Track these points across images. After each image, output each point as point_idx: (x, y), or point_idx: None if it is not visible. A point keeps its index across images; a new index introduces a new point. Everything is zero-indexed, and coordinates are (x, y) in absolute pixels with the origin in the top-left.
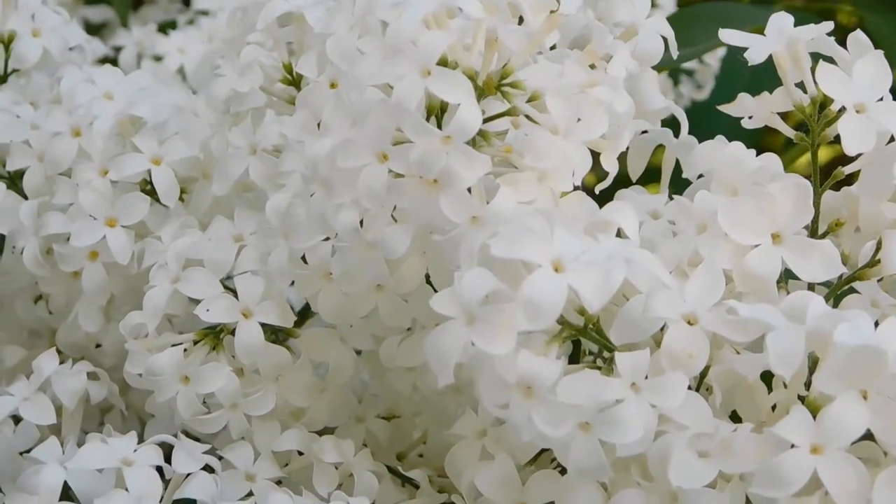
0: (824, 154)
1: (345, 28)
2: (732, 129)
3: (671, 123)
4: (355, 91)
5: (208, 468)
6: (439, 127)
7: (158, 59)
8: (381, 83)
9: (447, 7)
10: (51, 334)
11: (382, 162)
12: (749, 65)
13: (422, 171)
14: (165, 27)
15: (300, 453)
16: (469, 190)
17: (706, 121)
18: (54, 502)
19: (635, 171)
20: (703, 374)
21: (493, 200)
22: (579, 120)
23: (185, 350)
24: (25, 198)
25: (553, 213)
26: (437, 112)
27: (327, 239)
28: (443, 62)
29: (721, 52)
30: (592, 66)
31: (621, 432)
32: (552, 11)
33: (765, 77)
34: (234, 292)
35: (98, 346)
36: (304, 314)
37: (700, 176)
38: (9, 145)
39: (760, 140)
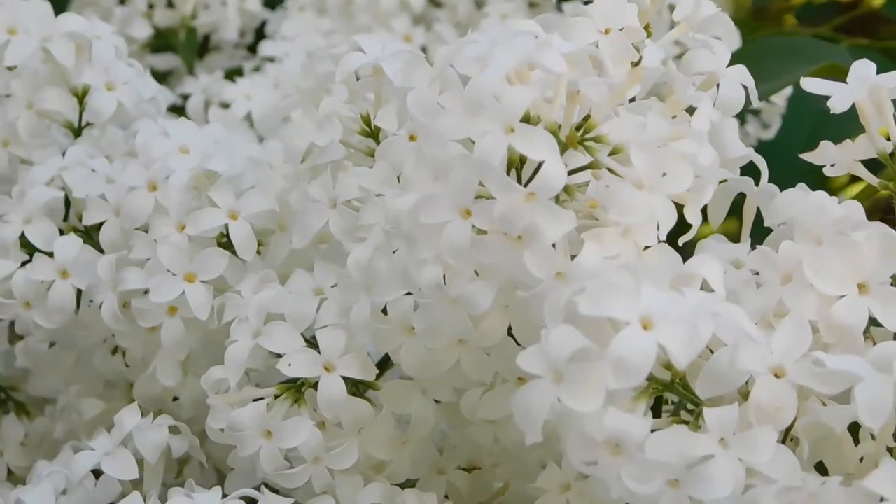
0: None
1: (425, 81)
2: (797, 169)
3: (749, 170)
4: (437, 146)
5: None
6: (520, 179)
7: (226, 105)
8: (463, 138)
9: (529, 61)
10: (127, 386)
11: (466, 218)
12: (817, 105)
13: (506, 227)
14: (232, 74)
15: None
16: (553, 245)
17: (773, 160)
18: None
19: (716, 221)
20: (790, 426)
21: (578, 256)
22: (664, 174)
23: (267, 404)
24: (101, 252)
25: (638, 267)
26: (518, 165)
27: (409, 293)
28: (525, 117)
29: (787, 90)
30: (674, 117)
31: (711, 488)
32: (633, 63)
33: (831, 116)
34: (315, 345)
35: (175, 398)
36: (382, 366)
37: (781, 223)
38: (85, 199)
39: (823, 178)
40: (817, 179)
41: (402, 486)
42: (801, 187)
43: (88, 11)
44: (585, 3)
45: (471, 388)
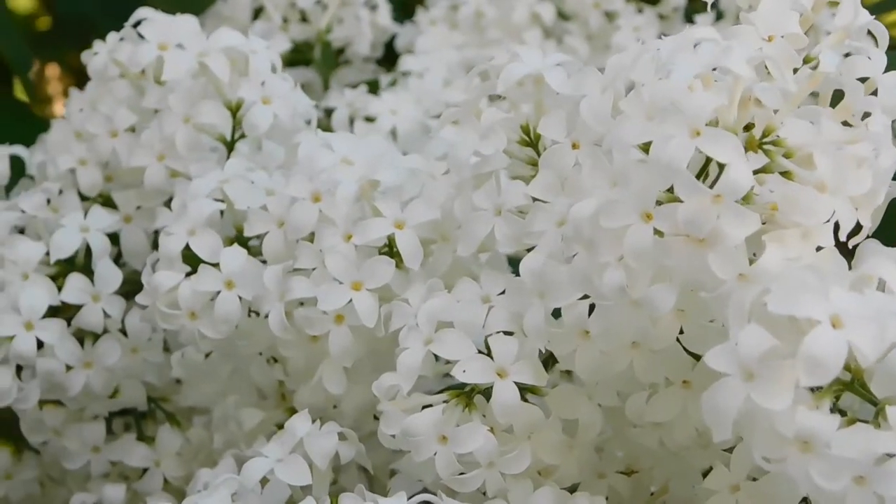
0: None
1: (598, 90)
2: None
3: None
4: (619, 151)
5: None
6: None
7: (370, 120)
8: (646, 142)
9: (716, 66)
10: (278, 396)
11: (647, 221)
12: None
13: (691, 230)
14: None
15: None
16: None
17: None
18: None
19: (871, 226)
20: None
21: (760, 258)
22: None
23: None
24: (263, 261)
25: (821, 268)
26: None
27: (584, 297)
28: (710, 122)
29: None
30: (845, 123)
31: None
32: (813, 69)
33: None
34: (483, 353)
35: (335, 406)
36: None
37: None
38: (246, 211)
39: None
40: None
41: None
42: None
43: (225, 27)
44: (715, 18)
45: (634, 392)
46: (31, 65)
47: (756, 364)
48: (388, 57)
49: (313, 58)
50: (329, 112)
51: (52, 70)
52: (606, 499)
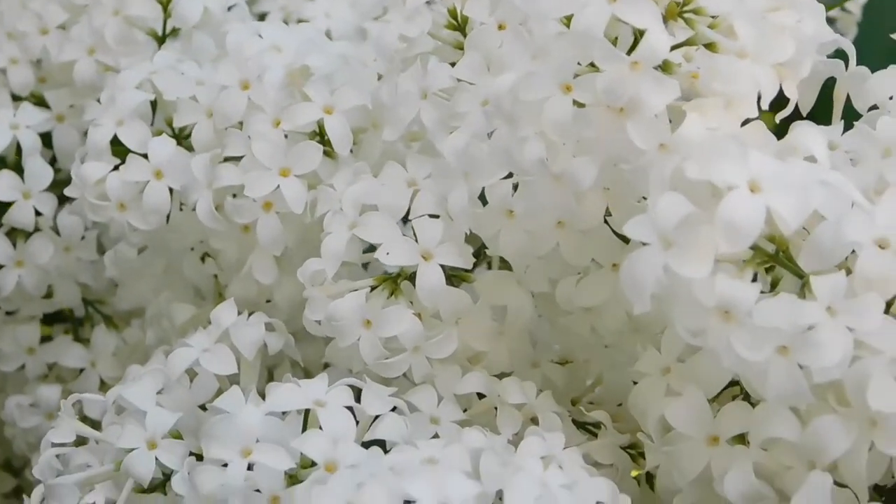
0: None
1: None
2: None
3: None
4: (539, 24)
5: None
6: None
7: (304, 23)
8: (565, 14)
9: None
10: (215, 295)
11: (566, 93)
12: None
13: (609, 99)
14: None
15: (480, 397)
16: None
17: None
18: (251, 444)
19: (806, 105)
20: (891, 304)
21: (680, 127)
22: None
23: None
24: (193, 152)
25: (743, 136)
26: (612, 42)
27: (508, 177)
28: None
29: None
30: None
31: (821, 355)
32: None
33: None
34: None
35: (268, 301)
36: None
37: (871, 108)
38: (176, 102)
39: None
40: None
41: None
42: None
43: None
44: None
45: (566, 278)
46: None
47: (674, 232)
48: None
49: None
50: (262, 17)
51: None
52: (540, 390)
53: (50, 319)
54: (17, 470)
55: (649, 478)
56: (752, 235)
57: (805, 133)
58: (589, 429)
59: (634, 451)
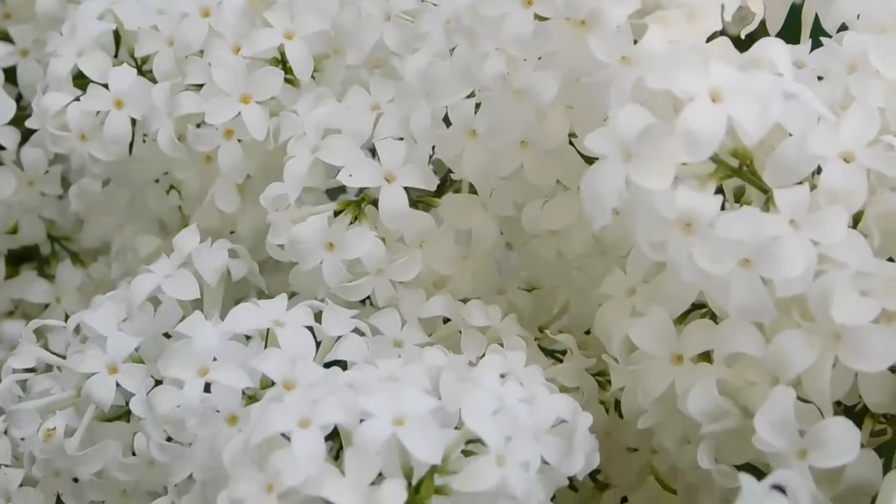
0: None
1: None
2: None
3: None
4: None
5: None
6: None
7: None
8: None
9: None
10: (180, 229)
11: (527, 7)
12: None
13: (570, 11)
14: None
15: (445, 322)
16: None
17: None
18: (208, 363)
19: (775, 24)
20: (859, 218)
21: (641, 40)
22: None
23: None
24: (155, 83)
25: (706, 50)
26: None
27: (470, 97)
28: None
29: None
30: None
31: (783, 267)
32: None
33: None
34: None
35: (232, 232)
36: (440, 191)
37: (840, 30)
38: (137, 31)
39: None
40: None
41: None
42: None
43: None
44: None
45: (530, 201)
46: None
47: (634, 143)
48: None
49: None
50: None
51: None
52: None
53: (17, 260)
54: None
55: (618, 405)
56: (712, 145)
57: (768, 46)
58: (556, 356)
59: (602, 379)
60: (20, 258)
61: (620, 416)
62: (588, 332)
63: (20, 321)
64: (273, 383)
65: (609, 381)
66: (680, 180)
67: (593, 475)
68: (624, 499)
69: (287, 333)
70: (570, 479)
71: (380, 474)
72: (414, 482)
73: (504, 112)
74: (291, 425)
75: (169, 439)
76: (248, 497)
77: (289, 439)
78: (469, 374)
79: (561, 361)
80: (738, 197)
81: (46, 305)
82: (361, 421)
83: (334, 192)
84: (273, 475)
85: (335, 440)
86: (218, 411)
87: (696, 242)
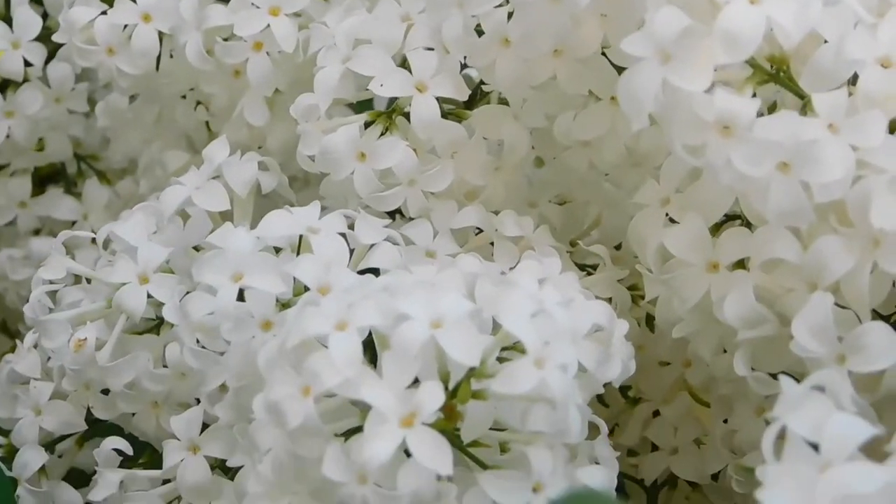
0: None
1: None
2: None
3: None
4: None
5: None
6: None
7: None
8: None
9: None
10: (208, 143)
11: None
12: None
13: None
14: None
15: (477, 233)
16: None
17: None
18: (243, 269)
19: None
20: (893, 124)
21: None
22: None
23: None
24: None
25: None
26: None
27: (501, 6)
28: None
29: None
30: None
31: (822, 171)
32: None
33: None
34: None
35: (260, 147)
36: (470, 103)
37: None
38: None
39: None
40: None
41: None
42: None
43: None
44: None
45: (563, 112)
46: None
47: (672, 45)
48: None
49: None
50: None
51: None
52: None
53: (42, 182)
54: (13, 332)
55: (649, 319)
56: (752, 44)
57: None
58: (588, 270)
59: (633, 293)
60: (45, 179)
61: (652, 330)
62: (618, 248)
63: (48, 238)
64: (307, 291)
65: (641, 297)
66: (717, 86)
67: (624, 390)
68: (656, 412)
69: (321, 240)
70: (600, 395)
71: (415, 380)
72: (451, 386)
73: (538, 18)
74: (328, 328)
75: (202, 349)
76: (285, 399)
77: (325, 343)
78: (505, 279)
79: (592, 274)
80: (772, 110)
81: (73, 223)
82: (399, 324)
83: (362, 108)
84: (310, 378)
85: (367, 352)
86: (252, 317)
87: (734, 145)
